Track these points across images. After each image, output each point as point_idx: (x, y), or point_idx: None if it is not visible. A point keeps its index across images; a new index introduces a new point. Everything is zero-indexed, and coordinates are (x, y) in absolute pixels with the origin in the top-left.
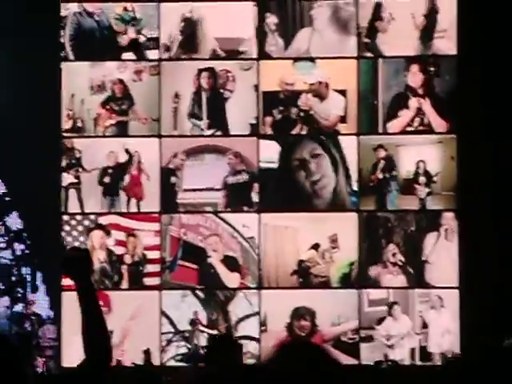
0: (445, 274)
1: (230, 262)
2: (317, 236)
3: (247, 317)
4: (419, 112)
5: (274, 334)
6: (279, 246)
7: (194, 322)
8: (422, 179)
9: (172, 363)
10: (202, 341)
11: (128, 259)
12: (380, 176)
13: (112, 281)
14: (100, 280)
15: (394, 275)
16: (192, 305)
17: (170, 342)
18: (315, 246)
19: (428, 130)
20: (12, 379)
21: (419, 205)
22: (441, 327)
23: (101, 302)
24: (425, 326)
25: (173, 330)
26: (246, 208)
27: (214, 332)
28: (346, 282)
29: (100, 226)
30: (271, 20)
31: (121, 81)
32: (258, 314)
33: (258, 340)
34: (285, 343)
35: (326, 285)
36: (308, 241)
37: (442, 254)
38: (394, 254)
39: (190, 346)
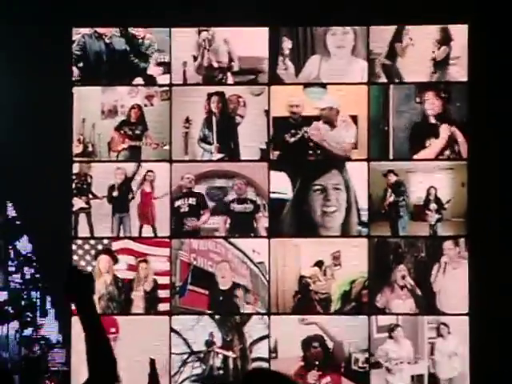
0: (453, 301)
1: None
2: (319, 252)
3: (262, 338)
4: (451, 140)
5: (285, 361)
6: (282, 263)
7: (209, 343)
8: (433, 206)
9: None
10: (217, 362)
11: (139, 284)
12: (391, 201)
13: (120, 306)
14: (107, 305)
15: (403, 299)
16: (207, 326)
17: (185, 362)
18: (318, 264)
19: (443, 157)
20: None
21: (429, 231)
22: (448, 354)
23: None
24: (433, 352)
25: (188, 350)
26: (255, 233)
27: (230, 353)
28: (347, 300)
29: (108, 251)
30: (286, 45)
31: (138, 106)
32: (267, 337)
33: (268, 362)
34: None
35: (326, 302)
36: (311, 258)
37: (450, 281)
38: (403, 277)
39: (204, 367)
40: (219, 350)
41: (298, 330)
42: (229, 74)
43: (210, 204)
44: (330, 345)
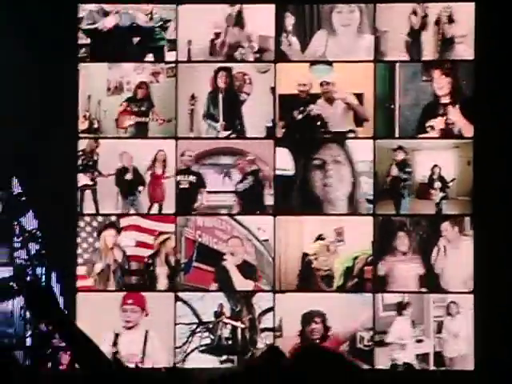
0: (458, 279)
1: (247, 269)
2: (322, 227)
3: (270, 309)
4: (448, 121)
5: (290, 340)
6: (285, 241)
7: (218, 314)
8: (438, 184)
9: (196, 354)
10: (226, 332)
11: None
12: (395, 178)
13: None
14: (117, 281)
15: (406, 263)
16: (216, 297)
17: (193, 332)
18: (320, 238)
19: (449, 135)
20: None
21: (435, 209)
22: (455, 333)
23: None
24: (439, 331)
25: (196, 320)
26: (260, 211)
27: (238, 324)
28: (349, 276)
29: (112, 225)
30: (288, 21)
31: (145, 85)
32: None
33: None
34: (298, 349)
35: (329, 279)
36: (313, 232)
37: (454, 259)
38: (405, 244)
39: (213, 338)
40: (228, 321)
41: (301, 307)
42: (249, 52)
43: (216, 181)
44: (331, 322)
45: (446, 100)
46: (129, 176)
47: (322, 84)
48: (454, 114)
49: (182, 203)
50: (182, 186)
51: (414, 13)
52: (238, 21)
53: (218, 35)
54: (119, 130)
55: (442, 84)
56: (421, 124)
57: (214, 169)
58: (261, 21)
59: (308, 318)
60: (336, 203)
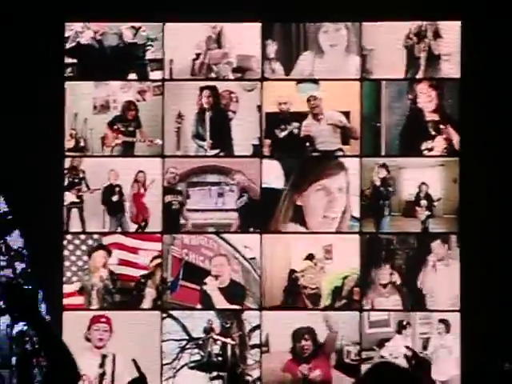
0: (444, 298)
1: (233, 290)
2: (311, 246)
3: (258, 327)
4: (448, 140)
5: (277, 356)
6: (272, 258)
7: (207, 330)
8: (424, 202)
9: (185, 371)
10: (216, 349)
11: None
12: (381, 197)
13: (114, 300)
14: (104, 299)
15: (386, 297)
16: (205, 313)
17: (183, 349)
18: (309, 257)
19: (430, 153)
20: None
21: (421, 227)
22: (442, 350)
23: (103, 323)
24: (425, 348)
25: (187, 337)
26: (247, 229)
27: (228, 340)
28: (338, 296)
29: (102, 247)
30: (271, 49)
31: (134, 106)
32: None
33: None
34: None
35: (316, 297)
36: (302, 250)
37: (441, 278)
38: (390, 274)
39: (203, 354)
40: (217, 337)
41: (288, 324)
42: (228, 71)
43: (203, 199)
44: (322, 338)
45: (432, 117)
46: (115, 195)
47: (309, 99)
48: (444, 132)
49: (168, 222)
50: (170, 205)
51: (404, 32)
52: (218, 41)
53: (198, 56)
54: (105, 148)
55: (427, 101)
56: (413, 145)
57: (201, 187)
58: (241, 40)
59: (298, 334)
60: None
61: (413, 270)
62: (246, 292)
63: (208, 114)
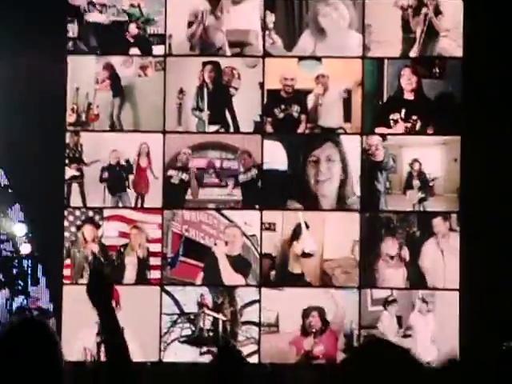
0: (444, 276)
1: (239, 261)
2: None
3: (253, 302)
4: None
5: (287, 335)
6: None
7: (200, 305)
8: (422, 180)
9: (176, 344)
10: (207, 324)
11: (131, 251)
12: (382, 176)
13: (114, 273)
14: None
15: (395, 268)
16: (198, 288)
17: (174, 323)
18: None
19: (429, 132)
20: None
21: (420, 206)
22: (433, 330)
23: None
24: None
25: (178, 311)
26: (248, 205)
27: (220, 315)
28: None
29: (91, 220)
30: (270, 19)
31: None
32: (256, 302)
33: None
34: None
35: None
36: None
37: (441, 256)
38: (395, 248)
39: (194, 329)
40: (209, 312)
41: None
42: (226, 46)
43: (206, 175)
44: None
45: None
46: (117, 169)
47: (317, 77)
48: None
49: (169, 197)
50: (172, 181)
51: (402, 7)
52: (215, 14)
53: (191, 24)
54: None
55: (411, 81)
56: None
57: (204, 163)
58: (240, 13)
59: (307, 312)
60: (326, 196)
61: (413, 249)
62: (251, 269)
63: (207, 89)
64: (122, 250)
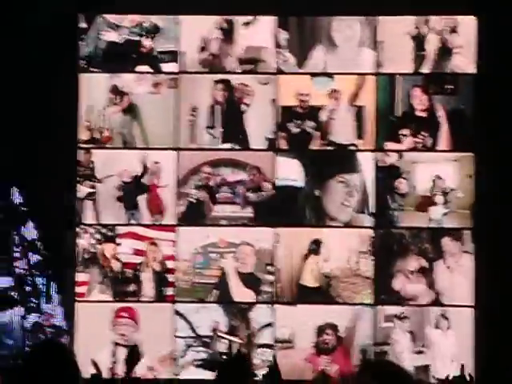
0: (458, 293)
1: (249, 278)
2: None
3: (268, 325)
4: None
5: (302, 352)
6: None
7: (214, 328)
8: (439, 197)
9: (191, 368)
10: (222, 347)
11: (147, 268)
12: (397, 193)
13: (130, 291)
14: (120, 291)
15: (414, 283)
16: (213, 311)
17: (189, 347)
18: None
19: (442, 149)
20: None
21: (435, 222)
22: (449, 347)
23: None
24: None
25: (193, 334)
26: (261, 222)
27: (235, 339)
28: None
29: (111, 238)
30: (283, 36)
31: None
32: (271, 325)
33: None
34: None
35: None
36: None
37: (454, 273)
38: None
39: (210, 352)
40: (224, 335)
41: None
42: (236, 63)
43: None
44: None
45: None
46: (130, 186)
47: (330, 92)
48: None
49: (188, 215)
50: (189, 199)
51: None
52: (228, 33)
53: (206, 47)
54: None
55: (421, 100)
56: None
57: (216, 180)
58: (253, 32)
59: (321, 329)
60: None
61: (427, 265)
62: (261, 287)
63: (219, 108)
64: (139, 267)
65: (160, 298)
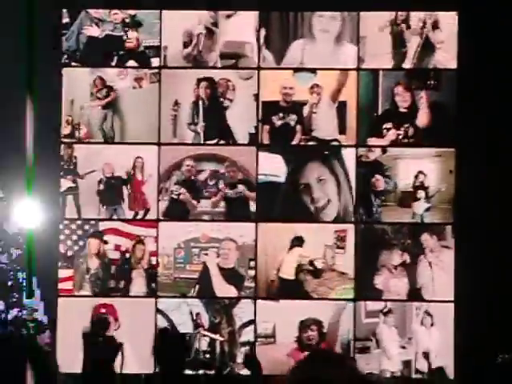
0: (438, 289)
1: (232, 275)
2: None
3: (251, 322)
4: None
5: (284, 346)
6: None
7: (195, 325)
8: (421, 192)
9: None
10: (204, 345)
11: (134, 264)
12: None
13: (117, 286)
14: (104, 286)
15: (399, 278)
16: (194, 307)
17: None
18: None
19: (425, 143)
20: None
21: (416, 217)
22: (432, 343)
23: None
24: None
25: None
26: (243, 218)
27: (217, 336)
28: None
29: (97, 234)
30: (262, 33)
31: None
32: (253, 322)
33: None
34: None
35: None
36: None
37: (435, 269)
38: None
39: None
40: (206, 333)
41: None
42: (217, 58)
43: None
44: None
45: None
46: (112, 182)
47: (312, 87)
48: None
49: (171, 210)
50: (172, 196)
51: (395, 20)
52: (211, 28)
53: (190, 42)
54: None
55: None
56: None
57: (198, 175)
58: (234, 27)
59: (304, 325)
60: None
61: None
62: (244, 283)
63: (202, 104)
64: (124, 262)
65: (149, 294)
